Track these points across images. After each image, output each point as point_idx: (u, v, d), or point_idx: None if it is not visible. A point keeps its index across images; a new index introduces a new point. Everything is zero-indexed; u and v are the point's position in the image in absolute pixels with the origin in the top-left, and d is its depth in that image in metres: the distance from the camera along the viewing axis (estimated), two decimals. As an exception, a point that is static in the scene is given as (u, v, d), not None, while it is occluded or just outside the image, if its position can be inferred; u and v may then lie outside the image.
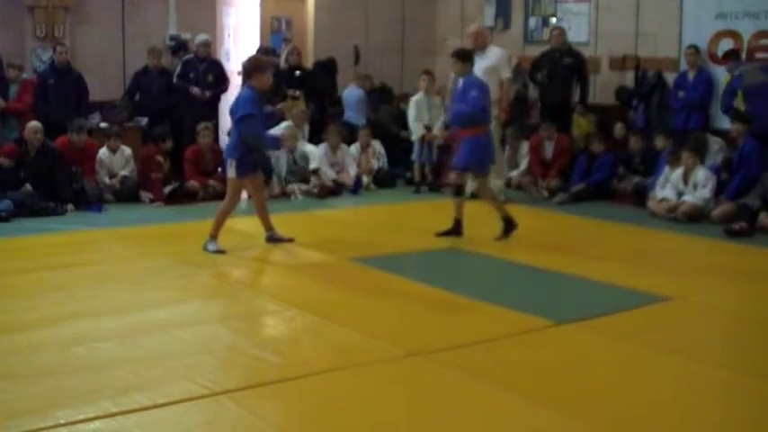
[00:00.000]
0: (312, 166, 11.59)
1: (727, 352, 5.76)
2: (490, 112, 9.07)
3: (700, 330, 6.21)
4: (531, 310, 6.37)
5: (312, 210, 9.95)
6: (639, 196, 10.76)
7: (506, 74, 10.96)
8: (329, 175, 11.71)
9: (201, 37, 12.25)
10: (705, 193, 10.01)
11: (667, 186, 10.24)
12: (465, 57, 8.97)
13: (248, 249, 8.53)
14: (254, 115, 7.98)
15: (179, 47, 12.66)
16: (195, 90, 11.86)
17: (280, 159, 11.42)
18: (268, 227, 8.63)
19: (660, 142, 11.07)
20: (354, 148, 12.26)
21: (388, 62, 14.65)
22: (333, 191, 11.45)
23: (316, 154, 11.74)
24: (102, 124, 11.65)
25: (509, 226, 8.83)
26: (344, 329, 5.88)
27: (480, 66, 10.64)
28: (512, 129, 12.07)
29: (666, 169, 10.36)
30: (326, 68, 13.43)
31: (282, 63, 12.96)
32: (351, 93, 13.47)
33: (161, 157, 10.93)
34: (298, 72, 12.79)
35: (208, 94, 11.90)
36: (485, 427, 4.44)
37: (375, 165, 12.38)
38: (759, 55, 11.12)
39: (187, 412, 4.52)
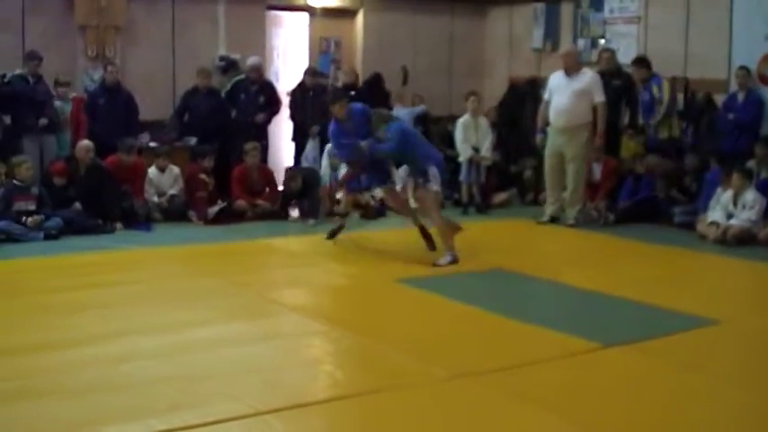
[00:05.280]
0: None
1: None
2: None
3: (751, 355, 6.11)
4: (577, 331, 6.30)
5: (359, 230, 9.94)
6: (686, 226, 10.61)
7: (600, 97, 10.72)
8: (376, 196, 11.70)
9: (252, 60, 12.30)
10: (752, 215, 9.87)
11: (717, 208, 10.12)
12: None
13: (294, 269, 8.56)
14: None
15: (229, 66, 12.74)
16: (260, 117, 12.02)
17: (326, 176, 11.45)
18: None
19: (713, 164, 10.93)
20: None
21: (436, 83, 14.63)
22: (379, 211, 11.40)
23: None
24: (152, 144, 11.74)
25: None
26: (389, 350, 5.86)
27: (571, 88, 10.62)
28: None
29: (719, 190, 10.24)
30: (375, 85, 13.37)
31: (331, 83, 12.99)
32: (398, 113, 13.42)
33: (205, 176, 10.98)
34: (352, 92, 12.79)
35: (261, 116, 12.02)
36: (531, 450, 4.40)
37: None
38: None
39: (233, 431, 4.53)
